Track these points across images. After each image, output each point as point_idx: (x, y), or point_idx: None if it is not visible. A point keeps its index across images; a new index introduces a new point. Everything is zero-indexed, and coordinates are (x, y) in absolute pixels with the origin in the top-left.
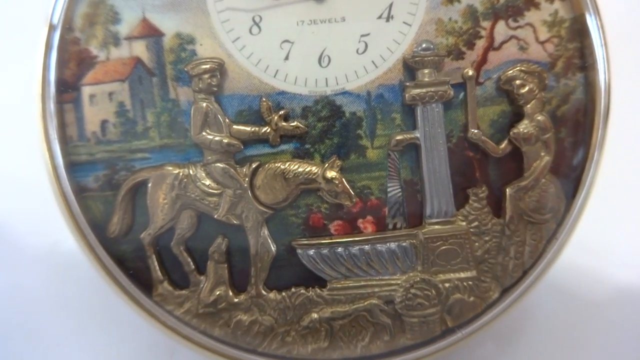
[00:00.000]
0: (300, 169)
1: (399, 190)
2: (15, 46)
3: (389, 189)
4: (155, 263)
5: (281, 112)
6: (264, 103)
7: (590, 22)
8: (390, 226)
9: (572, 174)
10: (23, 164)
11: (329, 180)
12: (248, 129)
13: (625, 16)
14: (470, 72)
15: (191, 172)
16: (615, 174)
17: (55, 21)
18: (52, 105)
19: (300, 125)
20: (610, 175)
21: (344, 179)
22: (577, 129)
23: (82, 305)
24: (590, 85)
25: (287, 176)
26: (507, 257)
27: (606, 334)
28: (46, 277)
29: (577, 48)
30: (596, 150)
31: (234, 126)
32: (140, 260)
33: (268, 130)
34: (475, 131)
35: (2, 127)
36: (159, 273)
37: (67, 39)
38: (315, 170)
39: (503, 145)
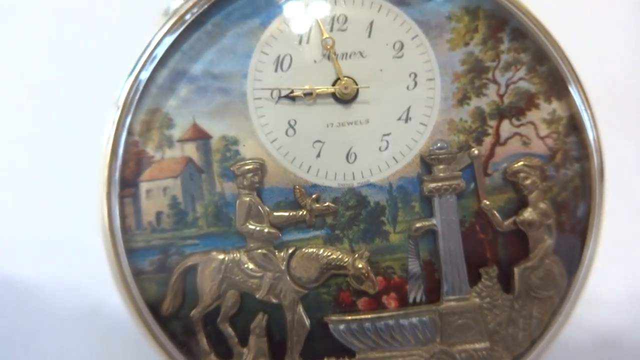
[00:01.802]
0: (333, 256)
1: (419, 269)
2: (83, 147)
3: (409, 268)
4: (204, 337)
5: (314, 196)
6: (297, 190)
7: (584, 118)
8: (411, 300)
9: (572, 254)
10: (86, 249)
11: (358, 269)
12: (286, 214)
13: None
14: (476, 152)
15: (235, 257)
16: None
17: (120, 127)
18: (115, 199)
19: (332, 205)
20: (608, 257)
21: (370, 270)
22: (575, 214)
23: None
24: (586, 174)
25: (320, 261)
26: (517, 329)
27: None
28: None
29: (573, 142)
30: (593, 232)
31: (274, 213)
32: (190, 335)
33: (304, 213)
34: (487, 203)
35: (67, 219)
36: (207, 346)
37: (128, 142)
38: (346, 260)
39: (507, 223)
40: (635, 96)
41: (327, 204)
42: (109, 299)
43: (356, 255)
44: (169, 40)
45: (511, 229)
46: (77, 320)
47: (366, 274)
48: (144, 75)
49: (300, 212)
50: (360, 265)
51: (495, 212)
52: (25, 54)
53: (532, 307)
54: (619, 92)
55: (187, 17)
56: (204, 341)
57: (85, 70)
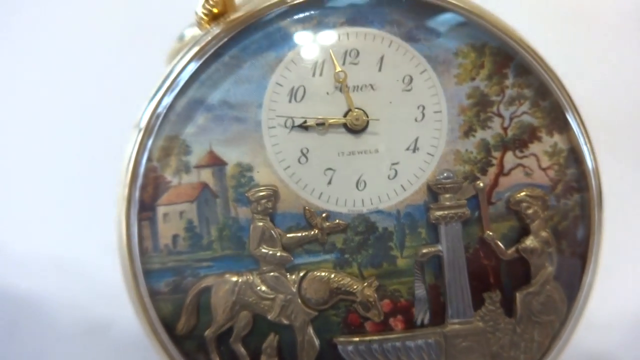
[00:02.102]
0: (343, 282)
1: (425, 293)
2: (104, 168)
3: (416, 292)
4: (217, 357)
5: (324, 215)
6: (307, 210)
7: (584, 151)
8: (417, 323)
9: (572, 280)
10: (104, 269)
11: (365, 296)
12: (299, 234)
13: (614, 141)
14: (481, 185)
15: (248, 279)
16: (610, 285)
17: (141, 148)
18: (134, 221)
19: (341, 222)
20: (607, 282)
21: (377, 299)
22: (576, 242)
23: None
24: (586, 203)
25: (331, 285)
26: (518, 352)
27: None
28: None
29: (573, 173)
30: (592, 259)
31: (287, 235)
32: (204, 354)
33: (316, 232)
34: (490, 233)
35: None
36: None
37: (147, 167)
38: (356, 287)
39: (510, 251)
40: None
41: (337, 221)
42: (124, 319)
43: (365, 284)
44: (193, 67)
45: (514, 257)
46: (92, 338)
47: (373, 302)
48: (167, 101)
49: (312, 232)
50: (368, 293)
51: (498, 242)
52: (52, 76)
53: (533, 331)
54: (617, 119)
55: (208, 49)
56: None
57: (108, 94)
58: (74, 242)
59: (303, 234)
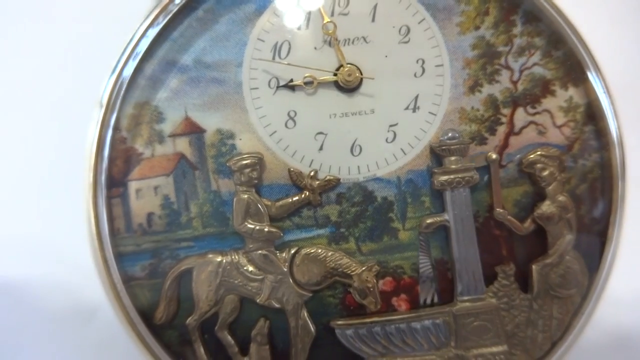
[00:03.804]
0: (341, 262)
1: (431, 268)
2: (68, 148)
3: (420, 268)
4: (201, 347)
5: (311, 173)
6: (292, 172)
7: (604, 105)
8: (422, 302)
9: (594, 250)
10: (75, 255)
11: (364, 282)
12: (289, 200)
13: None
14: (494, 156)
15: (234, 259)
16: (635, 258)
17: (104, 126)
18: (103, 201)
19: (332, 178)
20: (631, 254)
21: (376, 285)
22: (596, 206)
23: None
24: (606, 165)
25: (327, 264)
26: (536, 331)
27: None
28: None
29: (592, 130)
30: (615, 227)
31: (276, 203)
32: (187, 345)
33: (307, 194)
34: (501, 211)
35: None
36: (204, 356)
37: (115, 138)
38: (354, 268)
39: (527, 224)
40: None
41: (326, 177)
42: (98, 308)
43: (364, 268)
44: (153, 32)
45: (532, 229)
46: (64, 330)
47: (372, 289)
48: (127, 72)
49: (303, 194)
50: (367, 279)
51: (511, 218)
52: (4, 54)
53: (552, 307)
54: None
55: (177, 1)
56: (201, 351)
57: (69, 69)
58: (45, 227)
59: (293, 199)
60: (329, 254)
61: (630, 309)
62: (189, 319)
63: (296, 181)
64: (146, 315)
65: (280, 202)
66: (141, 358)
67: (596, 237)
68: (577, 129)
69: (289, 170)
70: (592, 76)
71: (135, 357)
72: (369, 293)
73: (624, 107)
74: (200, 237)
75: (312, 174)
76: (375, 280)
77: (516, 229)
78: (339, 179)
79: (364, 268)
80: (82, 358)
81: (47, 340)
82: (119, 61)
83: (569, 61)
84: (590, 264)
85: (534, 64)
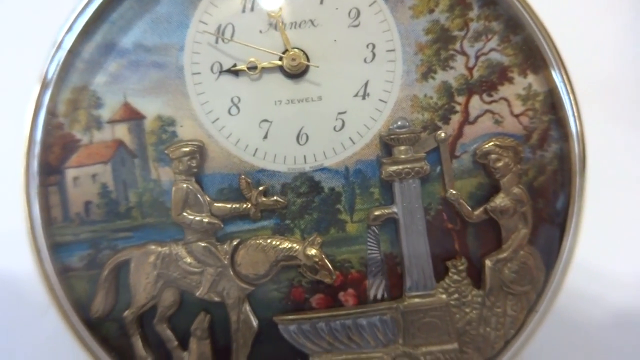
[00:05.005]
0: (281, 246)
1: (379, 263)
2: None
3: (369, 262)
4: (139, 341)
5: (260, 188)
6: (243, 180)
7: (563, 94)
8: (371, 297)
9: (551, 245)
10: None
11: (310, 258)
12: (229, 206)
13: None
14: (443, 135)
15: (173, 250)
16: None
17: (40, 107)
18: (35, 189)
19: (280, 200)
20: (590, 247)
21: (324, 256)
22: (554, 200)
23: None
24: (565, 156)
25: (268, 252)
26: (489, 328)
27: None
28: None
29: (552, 120)
30: (573, 221)
31: (215, 204)
32: (124, 339)
33: (249, 206)
34: (454, 192)
35: None
36: (143, 351)
37: (51, 124)
38: (296, 248)
39: (477, 212)
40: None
41: (275, 198)
42: (33, 299)
43: (306, 242)
44: (99, 4)
45: (483, 219)
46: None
47: (320, 262)
48: (69, 45)
49: (245, 205)
50: (312, 253)
51: (463, 201)
52: None
53: (505, 303)
54: (601, 73)
55: None
56: (139, 345)
57: (8, 44)
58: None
59: (233, 206)
60: (267, 242)
61: (588, 306)
62: (126, 312)
63: (244, 190)
64: (84, 308)
65: (219, 205)
66: (77, 352)
67: (554, 232)
68: (536, 118)
69: (240, 178)
70: (551, 63)
71: (71, 352)
72: (319, 267)
73: (584, 95)
74: (139, 228)
75: (261, 189)
76: (321, 253)
77: (466, 215)
78: (286, 204)
79: (306, 243)
80: (15, 350)
81: None
82: (58, 33)
83: (528, 47)
84: (547, 259)
85: (491, 50)
